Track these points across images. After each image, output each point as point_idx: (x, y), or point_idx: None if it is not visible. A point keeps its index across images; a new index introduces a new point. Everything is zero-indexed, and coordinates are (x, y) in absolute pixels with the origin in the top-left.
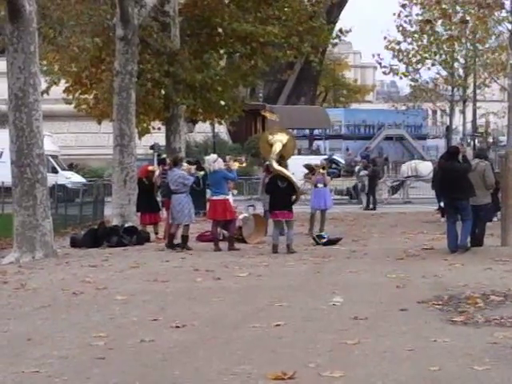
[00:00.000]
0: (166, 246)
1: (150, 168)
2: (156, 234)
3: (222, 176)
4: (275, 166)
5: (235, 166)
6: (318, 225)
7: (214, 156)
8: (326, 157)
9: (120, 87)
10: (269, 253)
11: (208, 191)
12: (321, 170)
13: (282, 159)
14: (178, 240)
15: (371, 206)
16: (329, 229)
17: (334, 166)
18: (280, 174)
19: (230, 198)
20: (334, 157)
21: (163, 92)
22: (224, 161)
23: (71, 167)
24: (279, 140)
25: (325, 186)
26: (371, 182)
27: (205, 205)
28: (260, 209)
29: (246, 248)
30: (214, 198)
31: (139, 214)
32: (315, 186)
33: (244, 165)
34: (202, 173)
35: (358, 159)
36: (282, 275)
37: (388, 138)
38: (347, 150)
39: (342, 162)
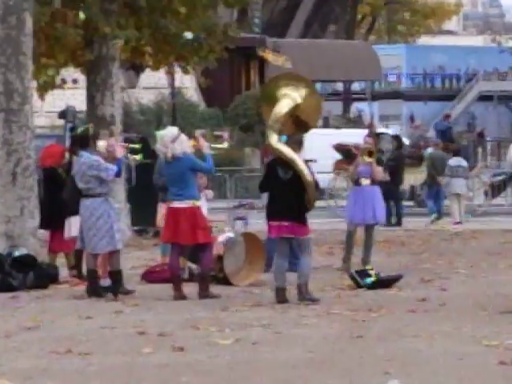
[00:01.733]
0: (87, 292)
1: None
2: (71, 268)
3: (188, 165)
4: (273, 141)
5: (209, 147)
6: (359, 251)
7: (172, 131)
8: (380, 130)
9: (5, 7)
10: (271, 302)
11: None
12: (365, 157)
13: (297, 131)
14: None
15: (393, 219)
16: (379, 260)
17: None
18: (281, 157)
19: (203, 204)
20: (387, 130)
21: (82, 16)
22: (190, 138)
23: None
24: (290, 96)
25: (373, 183)
26: (393, 176)
27: (154, 216)
28: (256, 224)
29: (232, 294)
30: (175, 204)
31: (45, 232)
32: (355, 182)
33: (226, 145)
34: (138, 157)
35: (432, 136)
36: (296, 342)
37: (484, 98)
38: (411, 118)
39: (403, 139)
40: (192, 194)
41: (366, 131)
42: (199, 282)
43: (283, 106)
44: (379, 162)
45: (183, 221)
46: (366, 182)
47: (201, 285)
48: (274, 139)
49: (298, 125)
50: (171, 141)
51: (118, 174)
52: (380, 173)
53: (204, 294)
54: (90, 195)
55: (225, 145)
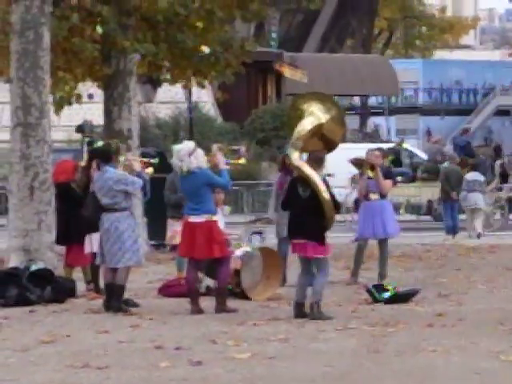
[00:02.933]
0: (105, 306)
1: (83, 164)
2: (88, 282)
3: (204, 180)
4: (294, 158)
5: (225, 163)
6: (375, 265)
7: (189, 145)
8: (390, 145)
9: (22, 22)
10: (289, 316)
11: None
12: (368, 171)
13: (323, 148)
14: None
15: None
16: (396, 274)
17: (403, 162)
18: (301, 175)
19: (220, 218)
20: (405, 145)
21: (100, 30)
22: (208, 153)
23: None
24: (314, 114)
25: (382, 196)
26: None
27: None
28: (273, 238)
29: (249, 308)
30: (192, 219)
31: (61, 247)
32: (365, 197)
33: (244, 161)
34: (152, 169)
35: (449, 149)
36: (313, 357)
37: (501, 113)
38: (428, 132)
39: (420, 154)
40: (208, 208)
41: (383, 145)
42: (216, 296)
43: (306, 124)
44: (388, 176)
45: (199, 235)
46: (374, 196)
47: (218, 299)
48: (294, 156)
49: (324, 142)
50: (187, 155)
51: (143, 187)
52: (388, 186)
53: (221, 308)
54: (114, 209)
55: (243, 161)
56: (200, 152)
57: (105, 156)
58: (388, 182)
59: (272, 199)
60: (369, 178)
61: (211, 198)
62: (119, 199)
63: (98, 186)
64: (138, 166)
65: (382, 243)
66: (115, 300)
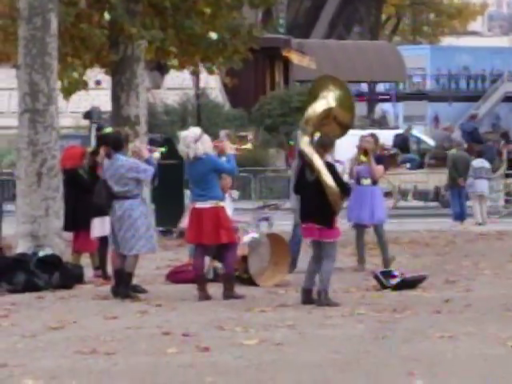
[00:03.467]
0: (113, 292)
1: (90, 150)
2: (96, 268)
3: (210, 166)
4: (302, 142)
5: (232, 148)
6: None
7: (195, 131)
8: (398, 131)
9: (30, 8)
10: (297, 303)
11: (187, 193)
12: (361, 156)
13: (337, 132)
14: (139, 278)
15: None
16: (404, 260)
17: (411, 148)
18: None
19: (228, 205)
20: (413, 132)
21: (107, 16)
22: (214, 140)
23: None
24: (325, 98)
25: (374, 183)
26: None
27: (178, 217)
28: (281, 224)
29: (256, 294)
30: (199, 205)
31: (72, 234)
32: (357, 181)
33: (249, 146)
34: (158, 154)
35: (457, 136)
36: (320, 343)
37: (510, 99)
38: (436, 119)
39: (428, 140)
40: (215, 194)
41: (390, 132)
42: (224, 282)
43: (316, 108)
44: (380, 162)
45: (206, 221)
46: (366, 181)
47: (225, 285)
48: (303, 141)
49: (338, 126)
50: (193, 141)
51: (154, 175)
52: (379, 172)
53: (228, 294)
54: (127, 197)
55: (248, 146)
56: (206, 138)
57: (116, 144)
58: (380, 168)
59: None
60: (360, 163)
61: (218, 184)
62: (131, 187)
63: (109, 173)
64: (146, 153)
65: (377, 229)
66: (123, 287)
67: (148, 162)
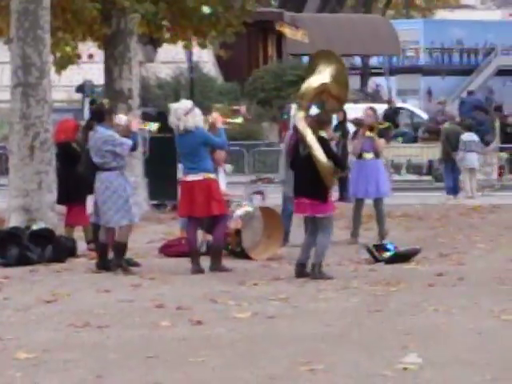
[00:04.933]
0: (97, 266)
1: (83, 123)
2: (89, 242)
3: (201, 139)
4: (297, 117)
5: (222, 121)
6: (374, 225)
7: (186, 104)
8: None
9: None
10: (290, 276)
11: (179, 166)
12: (367, 132)
13: (336, 106)
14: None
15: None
16: (397, 234)
17: (403, 122)
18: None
19: (222, 177)
20: (405, 105)
21: None
22: (207, 114)
23: None
24: (320, 73)
25: (376, 156)
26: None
27: (175, 189)
28: (274, 198)
29: (250, 268)
30: (190, 178)
31: (62, 207)
32: (359, 156)
33: (240, 120)
34: (154, 126)
35: (451, 110)
36: (313, 316)
37: (503, 73)
38: (429, 93)
39: (421, 114)
40: (205, 166)
41: (383, 106)
42: (211, 254)
43: (310, 84)
44: (381, 135)
45: (198, 193)
46: (368, 155)
47: (213, 257)
48: (298, 115)
49: (335, 100)
50: (184, 114)
51: (133, 148)
52: (381, 145)
53: (216, 266)
54: (105, 169)
55: (239, 120)
56: (197, 111)
57: (97, 116)
58: (382, 141)
59: (281, 160)
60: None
61: (208, 157)
62: (108, 159)
63: (90, 144)
64: (135, 127)
65: (378, 202)
66: (116, 257)
67: (133, 135)
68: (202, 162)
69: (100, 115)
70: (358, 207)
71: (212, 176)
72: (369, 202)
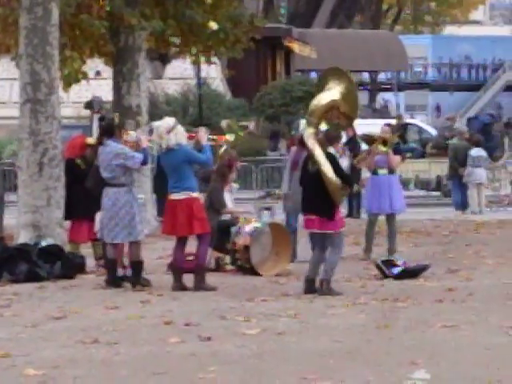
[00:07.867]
0: (106, 282)
1: (89, 141)
2: (98, 258)
3: (183, 157)
4: (306, 134)
5: (206, 138)
6: (385, 241)
7: (168, 122)
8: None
9: None
10: (298, 292)
11: None
12: (380, 146)
13: (345, 123)
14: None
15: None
16: (405, 249)
17: (412, 138)
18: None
19: (228, 197)
20: (413, 121)
21: (108, 7)
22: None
23: None
24: (330, 90)
25: (390, 172)
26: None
27: None
28: (282, 214)
29: (258, 284)
30: (173, 196)
31: (69, 223)
32: (373, 172)
33: (231, 138)
34: (230, 138)
35: (462, 126)
36: (322, 332)
37: (511, 88)
38: (438, 108)
39: (430, 130)
40: (188, 185)
41: (392, 121)
42: (195, 273)
43: (320, 101)
44: (397, 151)
45: (180, 212)
46: (382, 171)
47: (196, 276)
48: (307, 132)
49: (343, 117)
50: (166, 132)
51: (144, 163)
52: (397, 162)
53: (199, 285)
54: (113, 184)
55: (230, 137)
56: (180, 129)
57: (107, 130)
58: (397, 157)
59: (286, 174)
60: (377, 153)
61: (192, 175)
62: (118, 174)
63: (100, 159)
64: (144, 143)
65: (390, 218)
66: (134, 275)
67: (144, 150)
68: (185, 181)
69: (110, 130)
70: (371, 223)
71: (195, 195)
72: (381, 217)
